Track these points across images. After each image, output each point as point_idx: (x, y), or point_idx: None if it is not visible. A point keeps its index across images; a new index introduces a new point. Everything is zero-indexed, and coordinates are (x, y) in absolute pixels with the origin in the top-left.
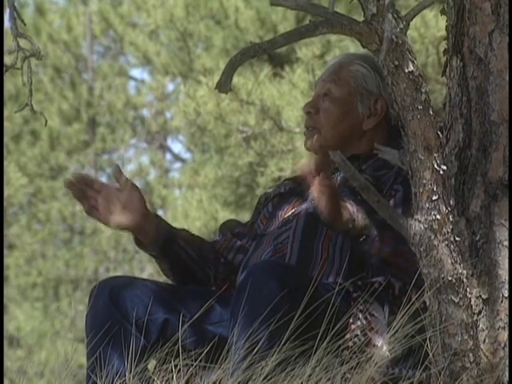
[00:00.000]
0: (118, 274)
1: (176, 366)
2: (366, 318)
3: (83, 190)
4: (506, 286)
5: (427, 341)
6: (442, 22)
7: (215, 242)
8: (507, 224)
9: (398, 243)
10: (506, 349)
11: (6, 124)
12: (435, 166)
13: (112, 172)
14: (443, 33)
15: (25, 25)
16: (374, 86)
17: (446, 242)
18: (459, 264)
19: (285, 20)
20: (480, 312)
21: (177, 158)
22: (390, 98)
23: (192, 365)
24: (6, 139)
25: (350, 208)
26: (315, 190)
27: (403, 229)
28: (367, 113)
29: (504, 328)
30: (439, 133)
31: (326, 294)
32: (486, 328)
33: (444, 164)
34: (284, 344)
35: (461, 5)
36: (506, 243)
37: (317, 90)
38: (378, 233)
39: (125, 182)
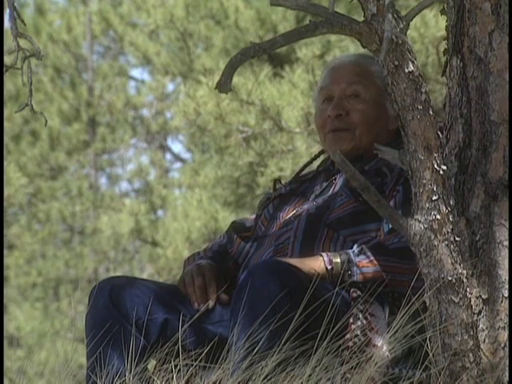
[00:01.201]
0: (118, 274)
1: (176, 366)
2: (366, 318)
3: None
4: (506, 286)
5: (427, 341)
6: (442, 22)
7: (226, 247)
8: (507, 224)
9: (390, 262)
10: (506, 349)
11: (6, 124)
12: (435, 165)
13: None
14: (443, 33)
15: (25, 25)
16: None
17: (446, 242)
18: (459, 264)
19: (285, 20)
20: (480, 312)
21: (177, 157)
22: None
23: (192, 365)
24: (6, 139)
25: (313, 262)
26: None
27: (403, 229)
28: (394, 113)
29: (504, 328)
30: (439, 133)
31: (326, 294)
32: (486, 328)
33: (444, 164)
34: (284, 344)
35: (461, 5)
36: (506, 243)
37: (333, 92)
38: (369, 259)
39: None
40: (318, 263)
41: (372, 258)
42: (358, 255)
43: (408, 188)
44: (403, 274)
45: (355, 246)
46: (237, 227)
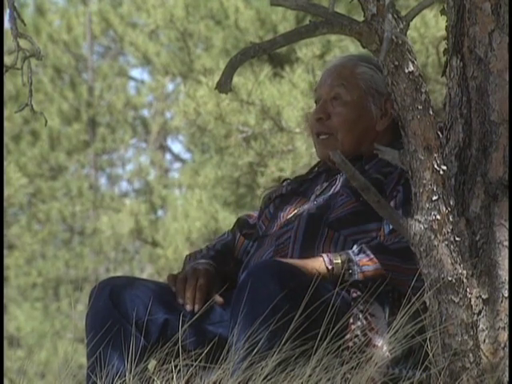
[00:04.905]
0: (118, 274)
1: (176, 366)
2: (366, 319)
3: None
4: (506, 286)
5: (427, 341)
6: (442, 22)
7: (230, 245)
8: (507, 224)
9: (391, 261)
10: (506, 349)
11: (6, 124)
12: (435, 166)
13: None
14: (443, 33)
15: (25, 25)
16: (384, 87)
17: (446, 242)
18: (459, 264)
19: (285, 20)
20: (480, 312)
21: (177, 158)
22: None
23: (192, 365)
24: (6, 139)
25: (313, 262)
26: None
27: (403, 229)
28: (380, 113)
29: (504, 328)
30: (439, 133)
31: (326, 294)
32: (486, 328)
33: (444, 164)
34: (284, 344)
35: (461, 5)
36: (506, 243)
37: (320, 95)
38: (369, 258)
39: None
40: (318, 264)
41: (372, 256)
42: (357, 254)
43: (408, 188)
44: (404, 273)
45: (355, 246)
46: (241, 224)
